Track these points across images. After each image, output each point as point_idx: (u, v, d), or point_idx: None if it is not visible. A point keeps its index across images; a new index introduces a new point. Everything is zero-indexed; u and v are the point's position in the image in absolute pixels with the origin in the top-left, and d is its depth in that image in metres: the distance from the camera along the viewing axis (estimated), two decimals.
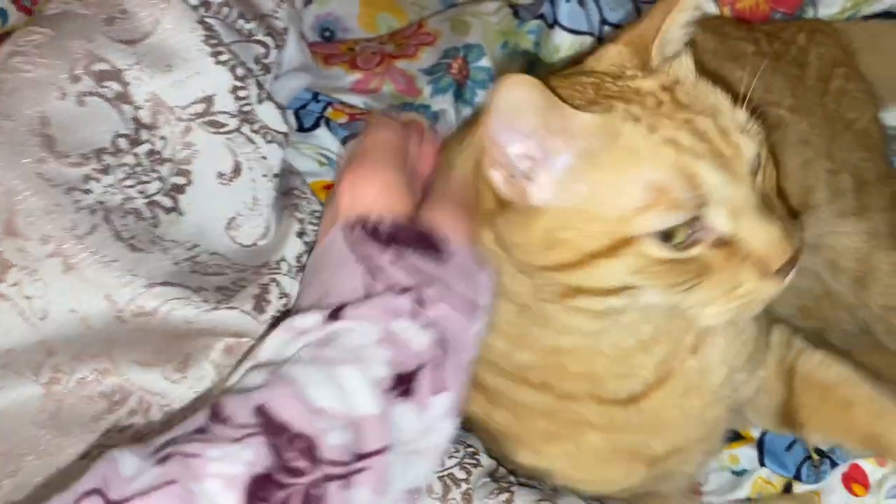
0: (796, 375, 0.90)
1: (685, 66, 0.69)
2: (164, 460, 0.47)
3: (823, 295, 1.05)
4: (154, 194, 0.79)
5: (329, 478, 0.49)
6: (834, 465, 0.91)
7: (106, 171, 0.76)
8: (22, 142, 0.73)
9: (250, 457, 0.47)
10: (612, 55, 0.71)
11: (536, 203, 0.65)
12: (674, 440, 0.82)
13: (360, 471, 0.51)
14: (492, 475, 0.83)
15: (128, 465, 0.47)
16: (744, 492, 0.92)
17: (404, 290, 0.59)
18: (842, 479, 0.90)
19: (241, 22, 0.90)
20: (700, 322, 0.68)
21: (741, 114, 0.66)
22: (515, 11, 1.24)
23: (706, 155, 0.62)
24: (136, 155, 0.78)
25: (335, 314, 0.57)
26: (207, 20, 0.84)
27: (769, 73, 1.04)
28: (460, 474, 0.77)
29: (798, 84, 1.06)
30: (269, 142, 0.87)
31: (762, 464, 0.96)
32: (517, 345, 0.75)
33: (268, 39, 0.93)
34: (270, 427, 0.49)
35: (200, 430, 0.51)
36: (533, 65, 1.21)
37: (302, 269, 0.83)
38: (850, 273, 1.02)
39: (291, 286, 0.80)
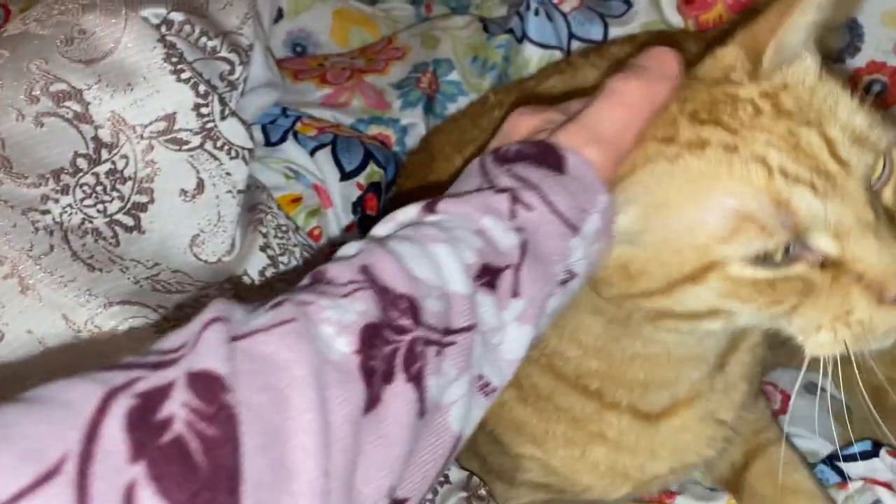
0: (761, 457, 0.90)
1: (803, 69, 0.61)
2: (276, 306, 0.47)
3: None
4: (115, 213, 0.79)
5: (428, 341, 0.49)
6: None
7: (65, 191, 0.76)
8: None
9: (361, 307, 0.48)
10: (729, 58, 0.63)
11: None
12: (671, 464, 0.82)
13: (449, 344, 0.50)
14: (465, 487, 0.83)
15: (239, 312, 0.46)
16: None
17: (502, 190, 0.57)
18: None
19: (203, 39, 0.90)
20: (810, 351, 0.62)
21: (861, 119, 0.59)
22: (485, 26, 1.25)
23: (802, 177, 0.56)
24: (96, 174, 0.78)
25: (432, 206, 0.56)
26: (169, 38, 0.84)
27: None
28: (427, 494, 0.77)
29: None
30: (233, 158, 0.87)
31: None
32: (591, 354, 0.74)
33: (232, 56, 0.93)
34: (375, 284, 0.49)
35: (306, 288, 0.50)
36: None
37: (266, 282, 0.83)
38: None
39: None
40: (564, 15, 1.22)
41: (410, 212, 0.57)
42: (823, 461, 0.90)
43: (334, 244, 1.00)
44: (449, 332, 0.51)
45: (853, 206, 0.57)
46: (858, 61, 1.13)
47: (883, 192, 0.60)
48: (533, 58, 1.22)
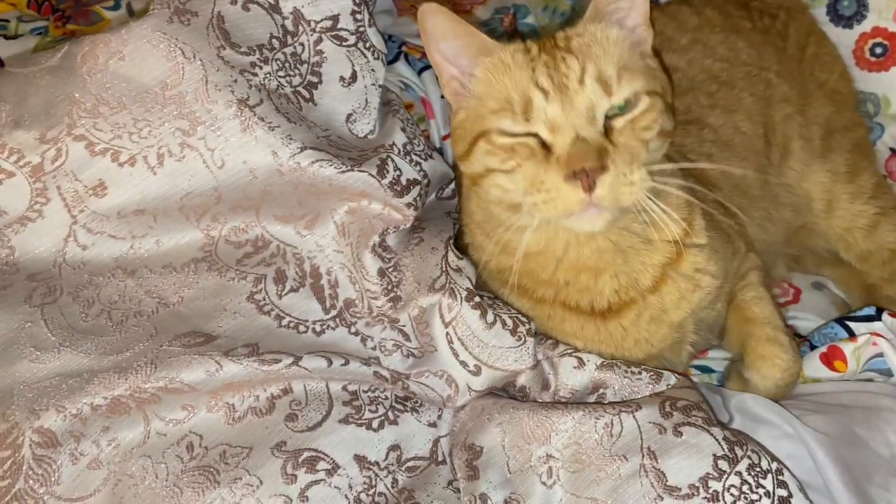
0: (732, 302, 1.07)
1: (601, 28, 0.89)
2: None
3: (802, 226, 1.28)
4: (298, 86, 0.99)
5: None
6: (813, 347, 1.12)
7: (266, 61, 0.96)
8: (207, 33, 0.93)
9: None
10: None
11: (462, 106, 0.91)
12: (645, 351, 1.00)
13: None
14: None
15: None
16: None
17: None
18: (820, 358, 1.10)
19: None
20: (532, 216, 0.84)
21: (611, 68, 0.85)
22: None
23: (543, 86, 0.84)
24: (284, 54, 0.99)
25: None
26: None
27: (761, 44, 1.28)
28: (524, 318, 0.98)
29: (782, 53, 1.30)
30: (377, 58, 1.08)
31: None
32: (504, 251, 0.93)
33: None
34: None
35: None
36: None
37: (407, 154, 1.03)
38: (819, 203, 1.25)
39: (401, 163, 1.00)
40: None
41: None
42: (835, 320, 1.11)
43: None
44: None
45: (571, 112, 0.83)
46: (865, 27, 1.37)
47: (616, 120, 0.85)
48: None
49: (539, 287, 0.97)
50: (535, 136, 0.84)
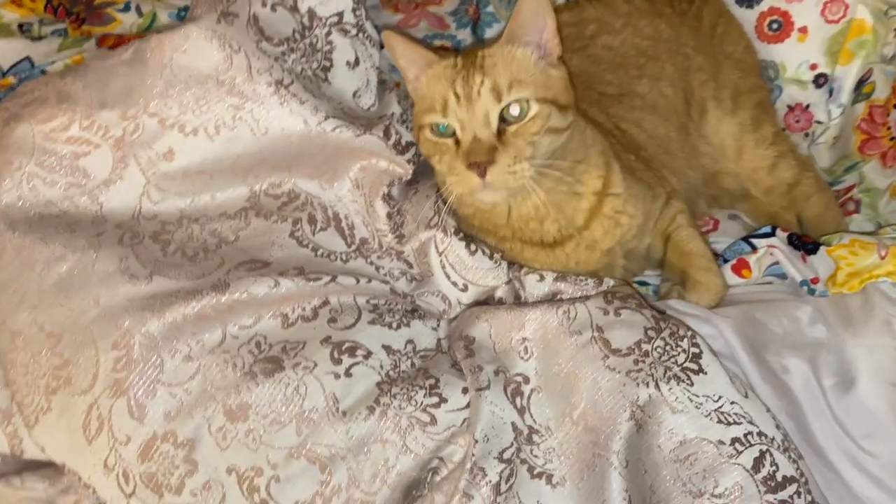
0: (671, 240, 1.38)
1: (493, 50, 1.15)
2: None
3: (716, 171, 1.59)
4: (315, 69, 1.26)
5: None
6: (725, 261, 1.43)
7: (292, 51, 1.23)
8: (247, 30, 1.20)
9: None
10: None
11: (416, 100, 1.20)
12: (584, 271, 1.28)
13: None
14: None
15: None
16: None
17: None
18: (731, 269, 1.41)
19: None
20: (451, 189, 1.14)
21: (504, 79, 1.12)
22: None
23: (458, 93, 1.11)
24: (304, 45, 1.26)
25: None
26: None
27: (679, 25, 1.58)
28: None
29: (697, 32, 1.60)
30: (373, 46, 1.35)
31: None
32: (460, 203, 1.22)
33: None
34: None
35: None
36: None
37: (403, 122, 1.30)
38: (731, 150, 1.56)
39: (400, 129, 1.28)
40: None
41: None
42: (741, 239, 1.42)
43: None
44: None
45: (473, 116, 1.12)
46: (763, 6, 1.68)
47: (511, 126, 1.12)
48: None
49: (499, 230, 1.26)
50: (453, 135, 1.13)
